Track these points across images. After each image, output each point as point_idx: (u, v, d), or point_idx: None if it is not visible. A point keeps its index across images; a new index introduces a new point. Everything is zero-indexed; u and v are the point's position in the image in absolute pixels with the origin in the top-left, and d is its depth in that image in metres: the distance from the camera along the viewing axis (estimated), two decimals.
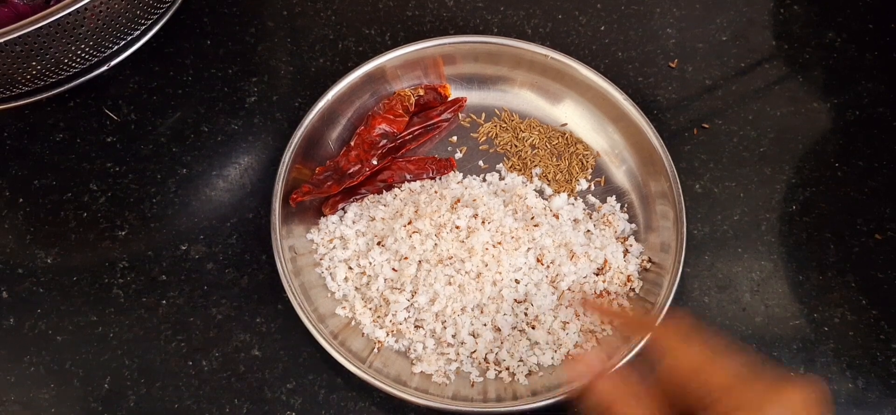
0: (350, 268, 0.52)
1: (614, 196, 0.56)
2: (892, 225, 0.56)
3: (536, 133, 0.58)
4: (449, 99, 0.59)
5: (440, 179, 0.56)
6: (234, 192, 0.56)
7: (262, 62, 0.61)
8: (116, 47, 0.56)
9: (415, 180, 0.55)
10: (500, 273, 0.50)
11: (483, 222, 0.52)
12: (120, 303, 0.52)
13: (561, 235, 0.53)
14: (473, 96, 0.59)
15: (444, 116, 0.58)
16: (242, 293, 0.52)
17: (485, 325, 0.50)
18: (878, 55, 0.63)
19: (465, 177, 0.56)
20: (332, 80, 0.56)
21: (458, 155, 0.57)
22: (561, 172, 0.56)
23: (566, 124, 0.58)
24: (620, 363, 0.48)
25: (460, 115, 0.59)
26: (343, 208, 0.54)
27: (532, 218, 0.53)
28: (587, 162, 0.57)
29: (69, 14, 0.47)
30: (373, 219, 0.53)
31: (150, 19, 0.57)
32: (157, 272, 0.53)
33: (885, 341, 0.52)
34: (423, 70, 0.58)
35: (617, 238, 0.54)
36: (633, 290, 0.52)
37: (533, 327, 0.50)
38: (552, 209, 0.54)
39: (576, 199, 0.56)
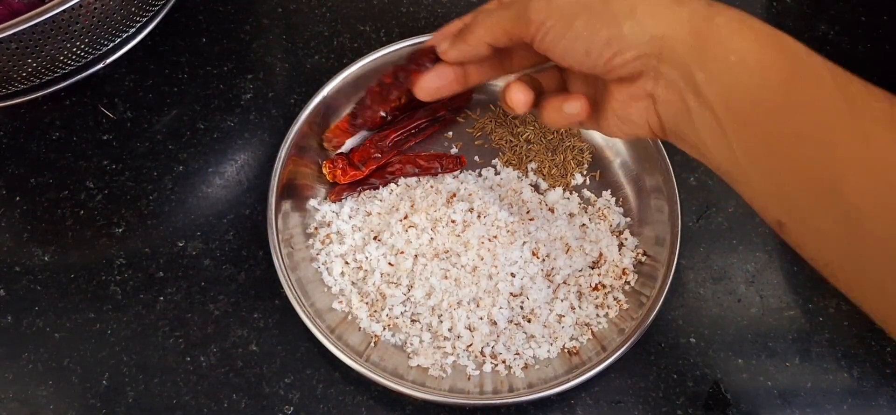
0: (346, 263, 0.52)
1: (609, 190, 0.56)
2: None
3: (531, 128, 0.58)
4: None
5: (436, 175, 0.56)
6: (230, 188, 0.56)
7: (258, 59, 0.61)
8: (111, 45, 0.57)
9: (423, 175, 0.55)
10: (496, 267, 0.51)
11: (479, 217, 0.52)
12: (118, 300, 0.52)
13: (556, 228, 0.53)
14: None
15: (450, 108, 0.57)
16: (239, 289, 0.52)
17: (481, 318, 0.50)
18: (871, 47, 0.63)
19: (461, 172, 0.56)
20: (328, 76, 0.56)
21: (454, 150, 0.57)
22: (556, 166, 0.57)
23: None
24: (617, 355, 0.48)
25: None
26: (345, 197, 0.54)
27: (527, 212, 0.53)
28: (582, 156, 0.57)
29: (64, 11, 0.47)
30: (369, 213, 0.53)
31: (145, 16, 0.57)
32: (155, 269, 0.53)
33: (879, 331, 0.52)
34: None
35: (612, 232, 0.54)
36: (629, 283, 0.52)
37: (529, 321, 0.50)
38: (547, 203, 0.55)
39: (571, 193, 0.56)
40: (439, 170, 0.55)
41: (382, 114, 0.53)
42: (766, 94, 0.37)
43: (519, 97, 0.45)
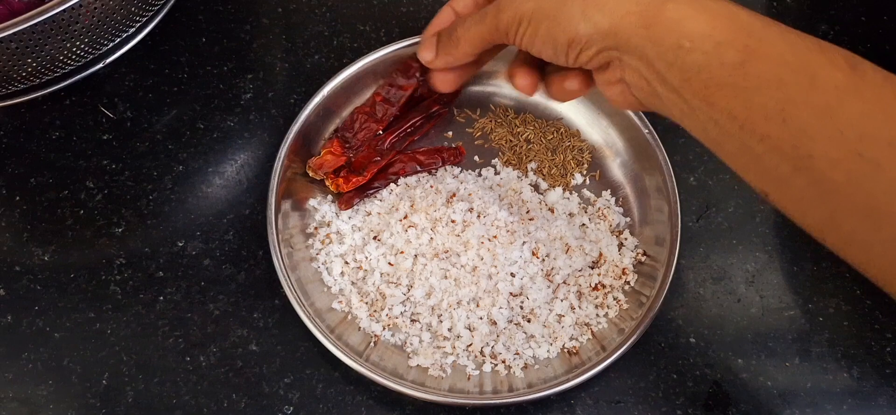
0: (346, 263, 0.52)
1: (609, 190, 0.56)
2: None
3: (531, 128, 0.58)
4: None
5: (436, 174, 0.56)
6: (230, 188, 0.56)
7: (258, 59, 0.61)
8: (112, 44, 0.56)
9: (425, 171, 0.55)
10: (496, 267, 0.51)
11: (478, 216, 0.52)
12: (117, 300, 0.52)
13: (556, 228, 0.53)
14: (468, 91, 0.59)
15: (442, 103, 0.57)
16: (239, 289, 0.52)
17: (480, 318, 0.50)
18: (871, 47, 0.63)
19: (461, 171, 0.56)
20: (328, 76, 0.56)
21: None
22: (556, 166, 0.57)
23: (561, 119, 0.58)
24: (617, 355, 0.48)
25: (455, 110, 0.59)
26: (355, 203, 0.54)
27: (527, 212, 0.53)
28: (582, 156, 0.57)
29: (64, 10, 0.47)
30: (369, 213, 0.53)
31: (145, 16, 0.57)
32: (155, 269, 0.53)
33: (879, 331, 0.52)
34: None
35: (612, 231, 0.54)
36: (629, 283, 0.52)
37: (528, 321, 0.50)
38: (547, 203, 0.55)
39: (571, 193, 0.56)
40: (440, 163, 0.55)
41: (380, 131, 0.54)
42: (725, 76, 0.37)
43: (523, 82, 0.48)
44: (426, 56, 0.49)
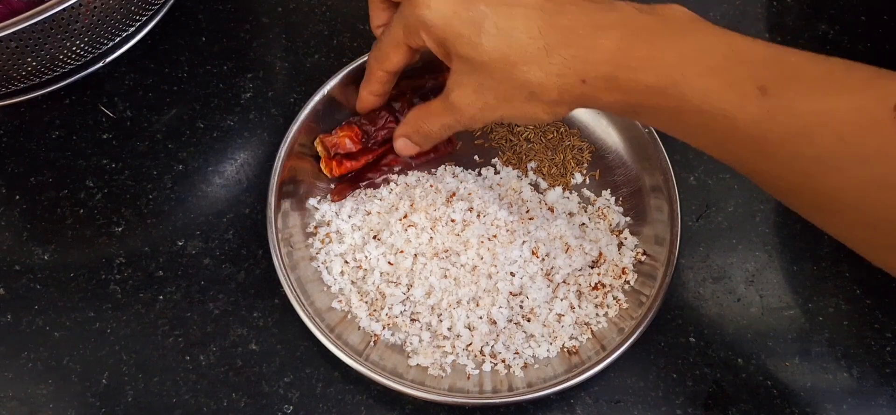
0: (346, 262, 0.52)
1: (609, 190, 0.56)
2: None
3: (531, 127, 0.58)
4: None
5: (436, 172, 0.56)
6: (230, 187, 0.56)
7: (257, 58, 0.61)
8: (111, 44, 0.57)
9: (417, 162, 0.56)
10: (495, 266, 0.51)
11: (478, 216, 0.52)
12: (117, 299, 0.52)
13: (556, 228, 0.53)
14: None
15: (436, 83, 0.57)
16: (239, 288, 0.52)
17: (480, 318, 0.50)
18: (871, 47, 0.63)
19: (461, 171, 0.56)
20: (327, 75, 0.56)
21: None
22: (556, 165, 0.57)
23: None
24: (616, 354, 0.48)
25: None
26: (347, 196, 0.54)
27: (527, 211, 0.53)
28: (582, 156, 0.57)
29: (64, 10, 0.47)
30: (368, 213, 0.53)
31: (145, 15, 0.58)
32: (154, 268, 0.53)
33: (879, 330, 0.52)
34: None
35: (611, 231, 0.54)
36: (628, 282, 0.52)
37: (528, 320, 0.50)
38: (547, 203, 0.55)
39: (570, 192, 0.56)
40: (432, 155, 0.55)
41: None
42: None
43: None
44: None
